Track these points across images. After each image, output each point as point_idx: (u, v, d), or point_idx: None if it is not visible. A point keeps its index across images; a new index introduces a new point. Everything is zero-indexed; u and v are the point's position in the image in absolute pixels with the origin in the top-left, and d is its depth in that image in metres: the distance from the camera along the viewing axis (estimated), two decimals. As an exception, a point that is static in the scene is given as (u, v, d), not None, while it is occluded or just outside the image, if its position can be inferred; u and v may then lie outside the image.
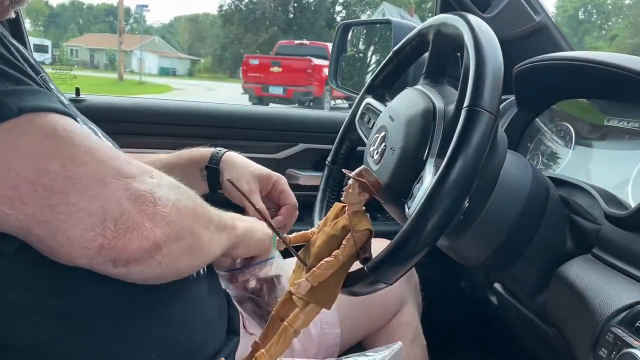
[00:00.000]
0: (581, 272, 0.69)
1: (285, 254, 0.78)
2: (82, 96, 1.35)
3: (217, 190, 0.89)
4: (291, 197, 0.90)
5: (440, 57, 0.81)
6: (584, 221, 0.74)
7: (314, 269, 0.61)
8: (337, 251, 0.62)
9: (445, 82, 0.81)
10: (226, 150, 0.92)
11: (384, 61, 0.92)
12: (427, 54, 0.83)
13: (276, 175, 0.90)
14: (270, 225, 0.64)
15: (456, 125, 0.58)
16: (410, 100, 0.76)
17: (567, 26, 49.91)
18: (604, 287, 0.64)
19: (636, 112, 0.78)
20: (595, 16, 51.08)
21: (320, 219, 0.81)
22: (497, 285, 0.95)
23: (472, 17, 0.68)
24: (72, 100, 1.05)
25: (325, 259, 0.61)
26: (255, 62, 12.74)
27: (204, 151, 0.92)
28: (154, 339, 0.61)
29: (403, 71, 0.93)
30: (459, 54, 0.71)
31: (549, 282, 0.74)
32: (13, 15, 0.70)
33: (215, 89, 21.22)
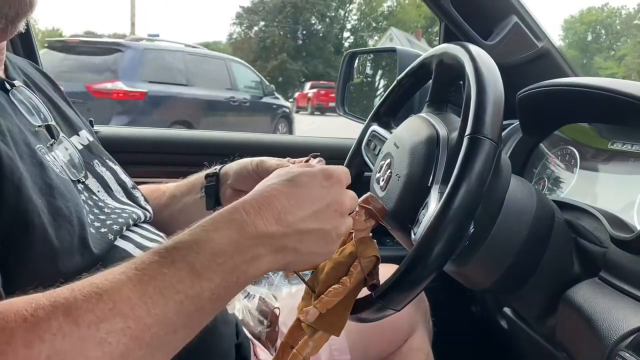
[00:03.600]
0: (588, 295, 0.69)
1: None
2: (95, 128, 1.38)
3: (218, 205, 0.85)
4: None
5: (443, 86, 0.83)
6: (590, 244, 0.74)
7: (322, 296, 0.62)
8: (344, 278, 0.63)
9: (448, 109, 0.83)
10: (221, 166, 0.89)
11: (389, 89, 0.94)
12: (430, 82, 0.85)
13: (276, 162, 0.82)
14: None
15: (459, 153, 0.60)
16: (414, 128, 0.77)
17: (577, 48, 49.97)
18: (612, 311, 0.64)
19: (637, 136, 0.79)
20: (604, 37, 51.11)
21: (328, 246, 0.82)
22: (507, 310, 0.95)
23: (472, 47, 0.70)
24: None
25: (333, 286, 0.62)
26: (322, 91, 22.51)
27: (198, 176, 0.90)
28: None
29: (407, 99, 0.94)
30: (461, 82, 0.73)
31: (557, 306, 0.74)
32: (22, 30, 0.65)
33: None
